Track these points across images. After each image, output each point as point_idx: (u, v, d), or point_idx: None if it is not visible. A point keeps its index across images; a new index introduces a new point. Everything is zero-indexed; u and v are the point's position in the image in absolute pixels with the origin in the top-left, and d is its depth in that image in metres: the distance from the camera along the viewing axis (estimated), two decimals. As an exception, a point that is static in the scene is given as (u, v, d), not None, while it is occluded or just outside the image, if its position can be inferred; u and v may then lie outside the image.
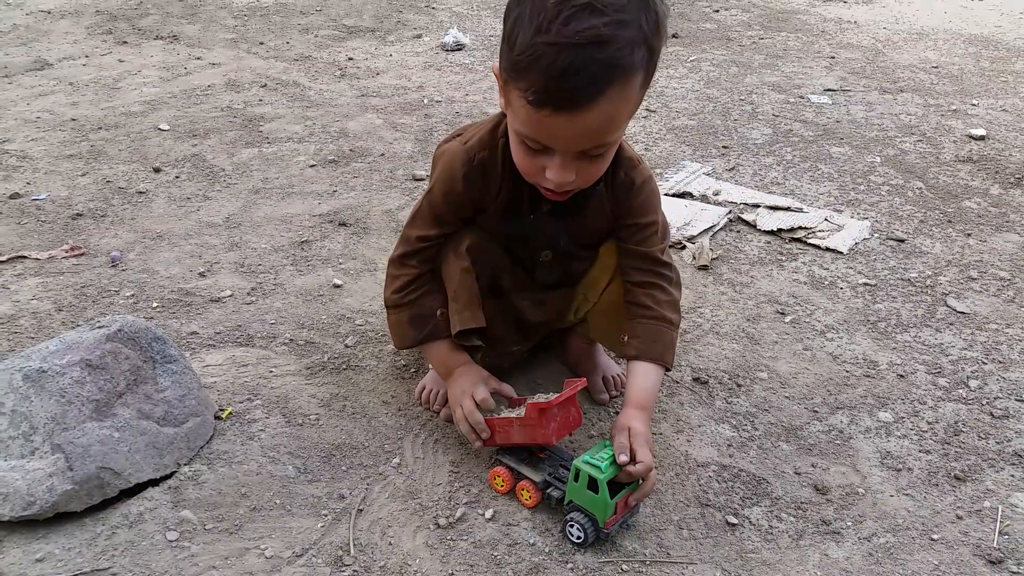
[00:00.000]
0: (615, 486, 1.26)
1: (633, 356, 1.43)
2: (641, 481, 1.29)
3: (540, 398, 1.36)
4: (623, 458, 1.26)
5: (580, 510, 1.28)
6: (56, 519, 1.27)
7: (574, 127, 1.15)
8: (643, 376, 1.41)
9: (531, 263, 1.52)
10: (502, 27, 1.18)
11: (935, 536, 1.37)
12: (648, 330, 1.43)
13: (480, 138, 1.38)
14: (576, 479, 1.27)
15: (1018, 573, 1.31)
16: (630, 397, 1.40)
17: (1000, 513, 1.42)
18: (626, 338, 1.45)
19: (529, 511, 1.36)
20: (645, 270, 1.45)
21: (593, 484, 1.25)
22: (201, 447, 1.44)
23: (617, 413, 1.61)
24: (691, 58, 4.08)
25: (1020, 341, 1.90)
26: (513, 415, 1.37)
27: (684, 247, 2.25)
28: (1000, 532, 1.38)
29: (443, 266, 1.48)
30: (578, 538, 1.29)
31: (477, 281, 1.46)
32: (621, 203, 1.42)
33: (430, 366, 1.64)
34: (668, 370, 1.45)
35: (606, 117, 1.14)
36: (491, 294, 1.51)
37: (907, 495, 1.46)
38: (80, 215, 2.37)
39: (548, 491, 1.34)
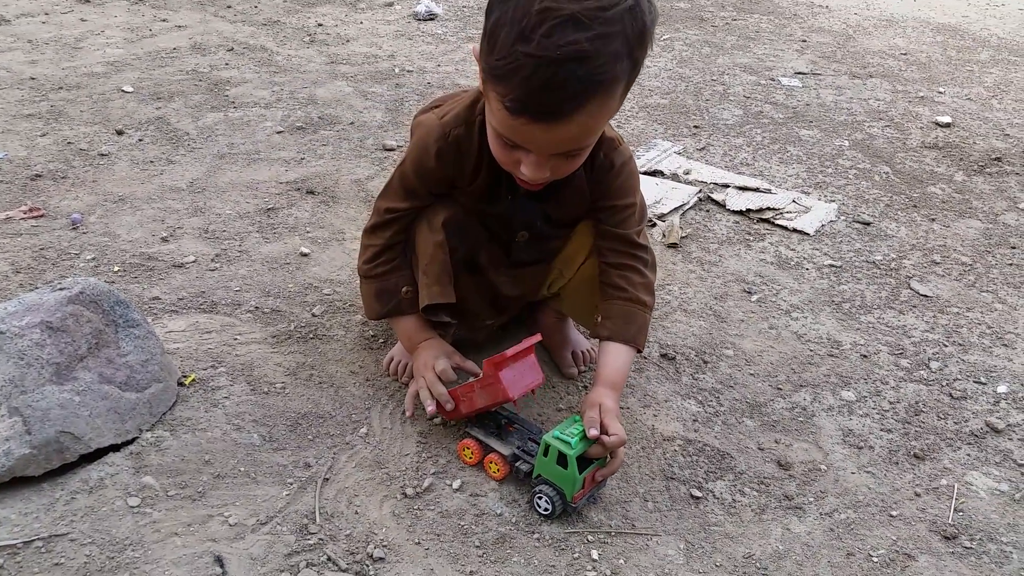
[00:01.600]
0: (583, 462, 1.27)
1: (606, 337, 1.42)
2: (610, 457, 1.30)
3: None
4: (593, 432, 1.26)
5: (548, 483, 1.28)
6: (12, 483, 1.24)
7: (550, 135, 1.14)
8: (614, 356, 1.41)
9: (507, 242, 1.51)
10: (484, 18, 1.15)
11: (894, 512, 1.40)
12: (622, 311, 1.43)
13: (457, 113, 1.36)
14: (545, 454, 1.28)
15: (970, 548, 1.34)
16: (601, 376, 1.40)
17: (955, 491, 1.45)
18: (600, 319, 1.44)
19: (496, 483, 1.36)
20: (621, 252, 1.44)
21: (562, 459, 1.25)
22: (164, 413, 1.41)
23: (587, 387, 1.61)
24: (664, 37, 4.07)
25: (980, 325, 1.94)
26: (472, 380, 1.37)
27: (654, 224, 2.26)
28: (955, 509, 1.41)
29: (417, 238, 1.47)
30: (545, 510, 1.29)
31: (452, 255, 1.45)
32: (600, 184, 1.41)
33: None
34: (639, 351, 1.45)
35: (583, 127, 1.14)
36: (466, 269, 1.50)
37: (868, 472, 1.48)
38: (39, 176, 2.31)
39: (517, 464, 1.34)
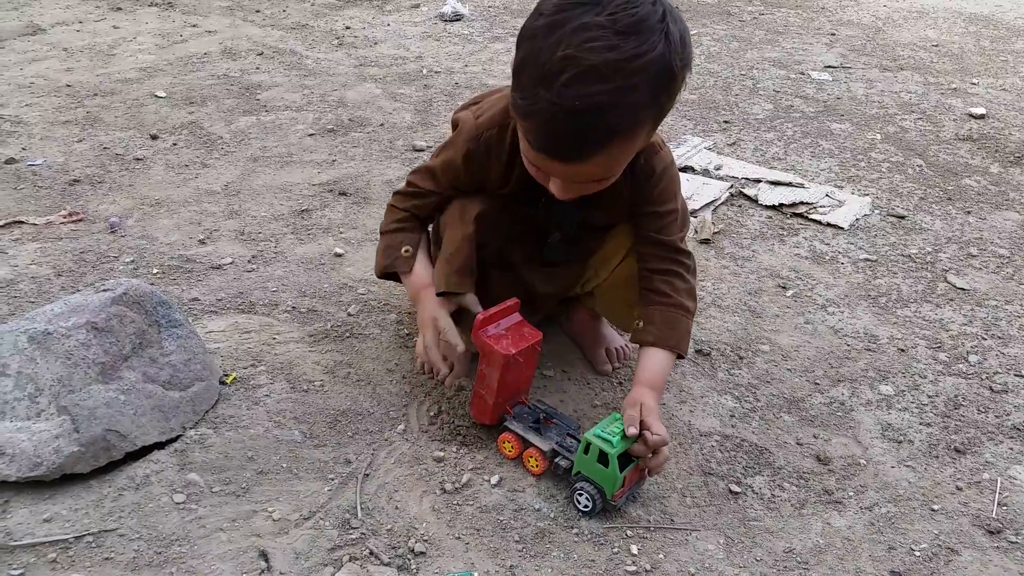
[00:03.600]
0: (623, 459, 1.27)
1: (650, 342, 1.40)
2: (652, 455, 1.28)
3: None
4: (632, 430, 1.26)
5: (588, 480, 1.28)
6: (62, 480, 1.26)
7: (570, 172, 1.16)
8: (656, 360, 1.39)
9: (540, 242, 1.51)
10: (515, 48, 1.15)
11: (935, 507, 1.38)
12: (665, 317, 1.40)
13: (492, 116, 1.37)
14: (586, 452, 1.28)
15: (1016, 543, 1.32)
16: (642, 377, 1.37)
17: (999, 485, 1.44)
18: (641, 324, 1.41)
19: (534, 478, 1.37)
20: (663, 257, 1.42)
21: (603, 458, 1.25)
22: (206, 411, 1.43)
23: (621, 383, 1.62)
24: (692, 32, 4.05)
25: (1019, 317, 1.92)
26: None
27: (686, 220, 2.25)
28: (999, 503, 1.40)
29: (446, 226, 1.47)
30: (585, 507, 1.30)
31: (483, 250, 1.45)
32: (641, 190, 1.39)
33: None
34: (682, 357, 1.43)
35: (604, 166, 1.15)
36: (499, 266, 1.51)
37: (908, 466, 1.47)
38: (77, 181, 2.35)
39: (556, 460, 1.34)
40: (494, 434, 1.43)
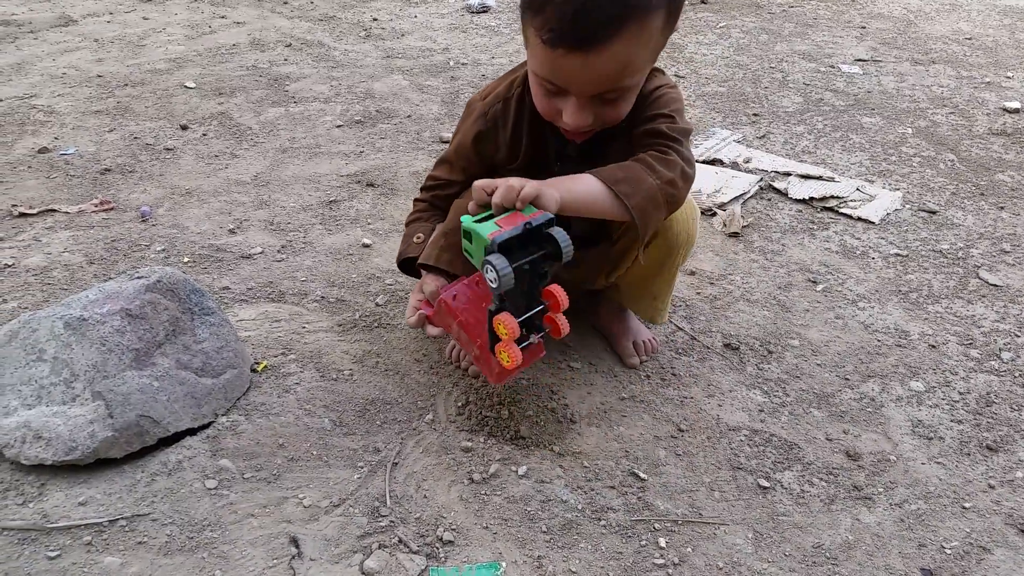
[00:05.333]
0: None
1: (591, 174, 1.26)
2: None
3: None
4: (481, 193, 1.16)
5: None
6: (96, 465, 1.28)
7: (589, 69, 1.12)
8: (586, 180, 1.23)
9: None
10: None
11: (967, 504, 1.37)
12: (627, 167, 1.26)
13: (497, 92, 1.39)
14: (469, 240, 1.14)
15: (1050, 542, 1.31)
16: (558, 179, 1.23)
17: (1033, 483, 1.42)
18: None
19: (561, 469, 1.37)
20: (649, 144, 1.31)
21: (468, 235, 1.14)
22: (238, 399, 1.45)
23: (648, 376, 1.61)
24: (720, 24, 4.02)
25: (1054, 314, 1.89)
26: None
27: (715, 214, 2.24)
28: (1032, 502, 1.38)
29: (455, 207, 1.46)
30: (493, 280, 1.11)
31: None
32: (637, 110, 1.31)
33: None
34: (623, 203, 1.23)
35: (622, 59, 1.12)
36: None
37: (939, 463, 1.46)
38: (108, 170, 2.38)
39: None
40: (532, 427, 1.43)
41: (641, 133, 1.33)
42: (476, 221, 1.14)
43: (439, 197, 1.53)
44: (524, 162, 1.41)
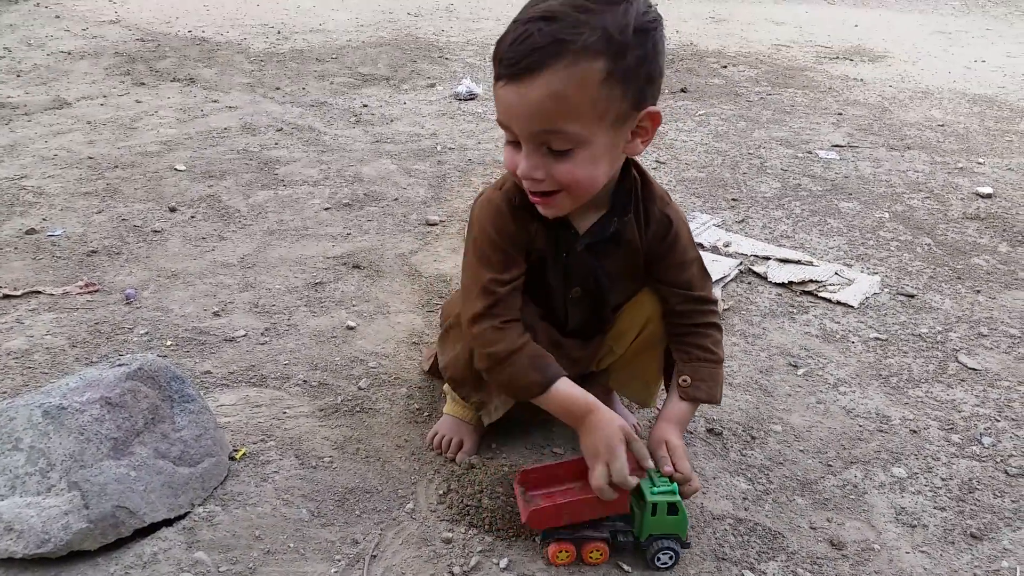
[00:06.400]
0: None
1: (702, 399, 1.46)
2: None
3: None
4: (667, 468, 1.34)
5: (663, 537, 1.32)
6: (69, 558, 1.26)
7: (523, 101, 1.17)
8: (686, 404, 1.45)
9: (561, 302, 1.51)
10: None
11: (953, 595, 1.36)
12: (712, 374, 1.46)
13: (514, 182, 1.37)
14: (654, 513, 1.30)
15: (1038, 635, 1.29)
16: (669, 414, 1.43)
17: (1019, 573, 1.41)
18: (689, 380, 1.44)
19: (543, 562, 1.35)
20: (699, 311, 1.48)
21: (673, 509, 1.31)
22: (215, 488, 1.43)
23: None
24: (700, 112, 4.14)
25: (1033, 399, 1.90)
26: (584, 494, 1.33)
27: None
28: (1018, 593, 1.37)
29: None
30: (669, 561, 1.34)
31: None
32: (660, 242, 1.43)
33: (444, 411, 1.63)
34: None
35: (553, 94, 1.15)
36: None
37: (923, 552, 1.45)
38: (95, 252, 2.39)
39: (619, 539, 1.35)
40: (509, 520, 1.41)
41: (687, 295, 1.46)
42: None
43: (505, 308, 1.38)
44: (533, 249, 1.41)
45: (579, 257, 1.42)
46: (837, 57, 5.63)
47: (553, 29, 1.13)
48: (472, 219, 1.46)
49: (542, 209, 1.31)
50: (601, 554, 1.35)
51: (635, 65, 1.17)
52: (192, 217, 2.66)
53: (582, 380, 1.70)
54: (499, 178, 1.51)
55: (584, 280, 1.46)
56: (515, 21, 1.17)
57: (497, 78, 1.20)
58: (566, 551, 1.34)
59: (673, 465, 1.34)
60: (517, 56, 1.15)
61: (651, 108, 1.24)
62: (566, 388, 1.36)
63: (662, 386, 1.64)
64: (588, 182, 1.26)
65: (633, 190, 1.39)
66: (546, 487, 1.38)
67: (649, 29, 1.18)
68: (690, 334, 1.47)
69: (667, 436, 1.38)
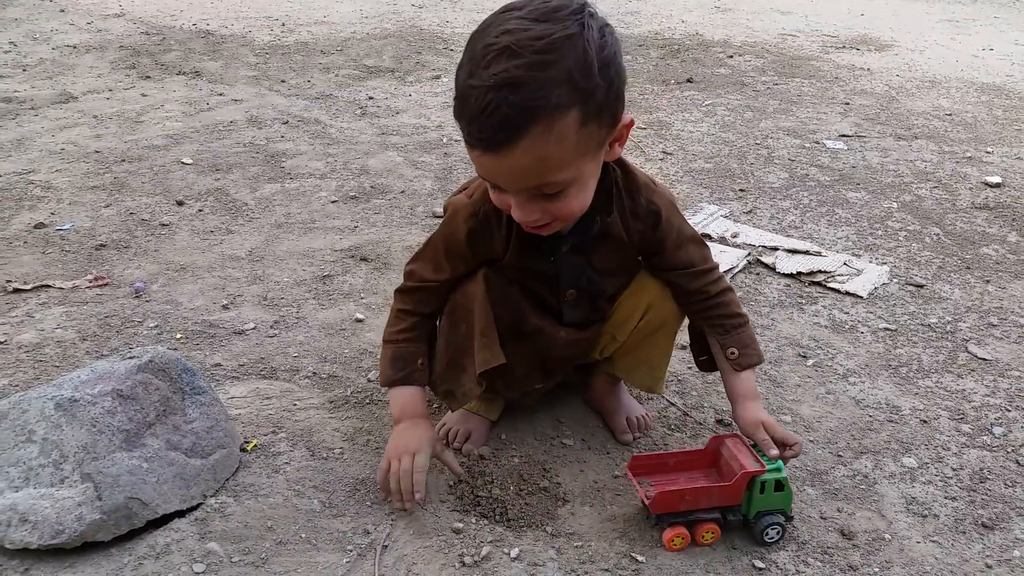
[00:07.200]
0: None
1: (752, 365, 1.50)
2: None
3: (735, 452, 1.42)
4: (774, 452, 1.39)
5: (770, 512, 1.38)
6: (83, 548, 1.26)
7: (506, 167, 1.15)
8: (748, 374, 1.50)
9: (556, 303, 1.52)
10: None
11: (964, 585, 1.36)
12: (751, 336, 1.52)
13: (484, 190, 1.36)
14: (762, 491, 1.36)
15: (1049, 624, 1.29)
16: (744, 390, 1.49)
17: (1029, 562, 1.41)
18: (736, 352, 1.49)
19: (554, 551, 1.36)
20: (713, 281, 1.50)
21: (779, 485, 1.36)
22: (227, 479, 1.44)
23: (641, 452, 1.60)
24: (706, 102, 4.13)
25: (1043, 389, 1.90)
26: (707, 483, 1.43)
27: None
28: (1030, 582, 1.37)
29: (461, 300, 1.47)
30: (776, 536, 1.39)
31: (497, 323, 1.46)
32: (653, 232, 1.43)
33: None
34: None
35: (536, 157, 1.13)
36: (512, 337, 1.51)
37: (934, 542, 1.45)
38: (104, 246, 2.40)
39: (729, 518, 1.39)
40: (523, 507, 1.42)
41: (692, 273, 1.49)
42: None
43: (424, 302, 1.49)
44: (514, 256, 1.42)
45: (566, 258, 1.43)
46: (843, 46, 5.61)
47: (520, 98, 1.07)
48: (444, 214, 1.49)
49: (532, 232, 1.31)
50: (713, 534, 1.39)
51: (605, 98, 1.15)
52: (200, 210, 2.66)
53: (585, 370, 1.71)
54: (469, 181, 1.50)
55: (576, 280, 1.47)
56: (473, 85, 1.09)
57: (470, 145, 1.15)
58: (681, 536, 1.37)
59: (774, 439, 1.41)
60: (490, 131, 1.10)
61: (624, 120, 1.23)
62: (404, 393, 1.47)
63: (668, 371, 1.65)
64: (581, 207, 1.27)
65: (614, 184, 1.38)
66: (656, 475, 1.45)
67: (610, 61, 1.14)
68: (712, 307, 1.50)
69: (757, 416, 1.45)
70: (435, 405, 1.73)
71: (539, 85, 1.08)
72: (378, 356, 1.86)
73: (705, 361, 1.60)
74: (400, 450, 1.40)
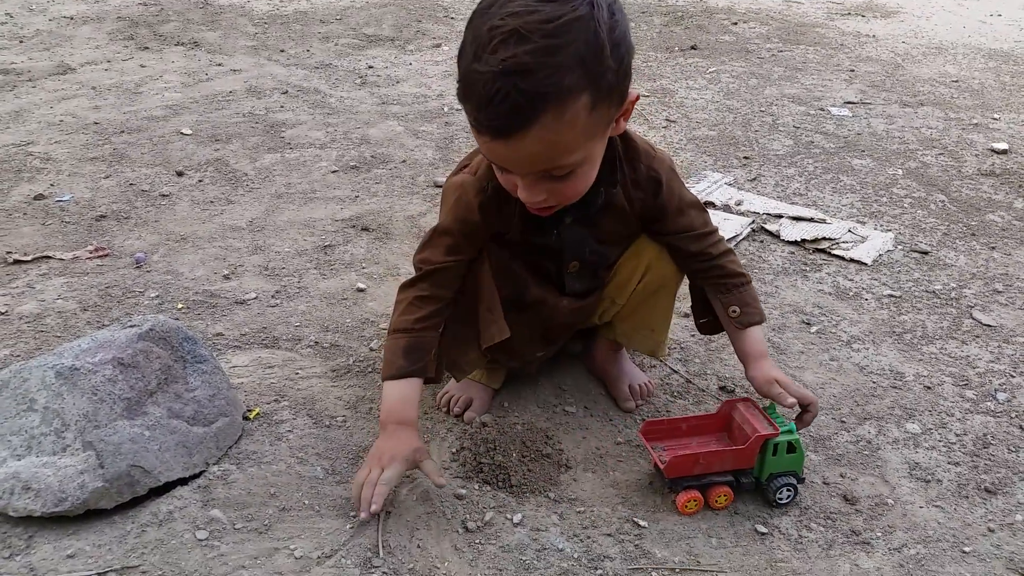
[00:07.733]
0: None
1: (757, 322, 1.51)
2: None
3: (746, 416, 1.43)
4: (790, 401, 1.41)
5: (782, 475, 1.39)
6: (86, 516, 1.27)
7: (516, 154, 1.13)
8: (756, 332, 1.51)
9: (559, 274, 1.51)
10: None
11: (967, 548, 1.36)
12: (752, 295, 1.52)
13: (488, 166, 1.35)
14: (774, 453, 1.37)
15: (1052, 587, 1.29)
16: (754, 350, 1.50)
17: (1032, 526, 1.41)
18: (738, 310, 1.49)
19: (557, 516, 1.36)
20: (714, 243, 1.51)
21: (792, 447, 1.38)
22: (230, 447, 1.44)
23: (643, 420, 1.59)
24: (710, 70, 4.08)
25: (1048, 354, 1.89)
26: (720, 447, 1.45)
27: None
28: (1033, 545, 1.37)
29: (479, 279, 1.46)
30: (788, 497, 1.41)
31: (499, 295, 1.46)
32: (653, 198, 1.42)
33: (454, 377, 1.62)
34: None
35: (547, 143, 1.11)
36: (514, 308, 1.50)
37: (937, 507, 1.45)
38: (104, 216, 2.39)
39: (742, 481, 1.40)
40: (526, 473, 1.42)
41: (693, 236, 1.49)
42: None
43: (439, 286, 1.42)
44: (519, 231, 1.41)
45: (569, 231, 1.42)
46: (849, 13, 5.53)
47: (530, 85, 1.04)
48: (443, 195, 1.46)
49: (536, 213, 1.30)
50: (727, 498, 1.39)
51: (615, 77, 1.13)
52: (200, 181, 2.64)
53: (587, 341, 1.71)
54: (470, 155, 1.47)
55: (579, 252, 1.46)
56: (479, 70, 1.06)
57: (477, 131, 1.12)
58: (695, 500, 1.38)
59: (791, 394, 1.42)
60: (499, 118, 1.07)
61: (630, 96, 1.20)
62: (403, 390, 1.39)
63: (670, 333, 1.65)
64: (587, 185, 1.26)
65: (617, 156, 1.36)
66: (668, 439, 1.46)
67: (620, 40, 1.12)
68: (714, 267, 1.50)
69: (770, 374, 1.46)
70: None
71: (549, 71, 1.05)
72: (380, 325, 1.87)
73: (706, 323, 1.59)
74: (375, 460, 1.33)
